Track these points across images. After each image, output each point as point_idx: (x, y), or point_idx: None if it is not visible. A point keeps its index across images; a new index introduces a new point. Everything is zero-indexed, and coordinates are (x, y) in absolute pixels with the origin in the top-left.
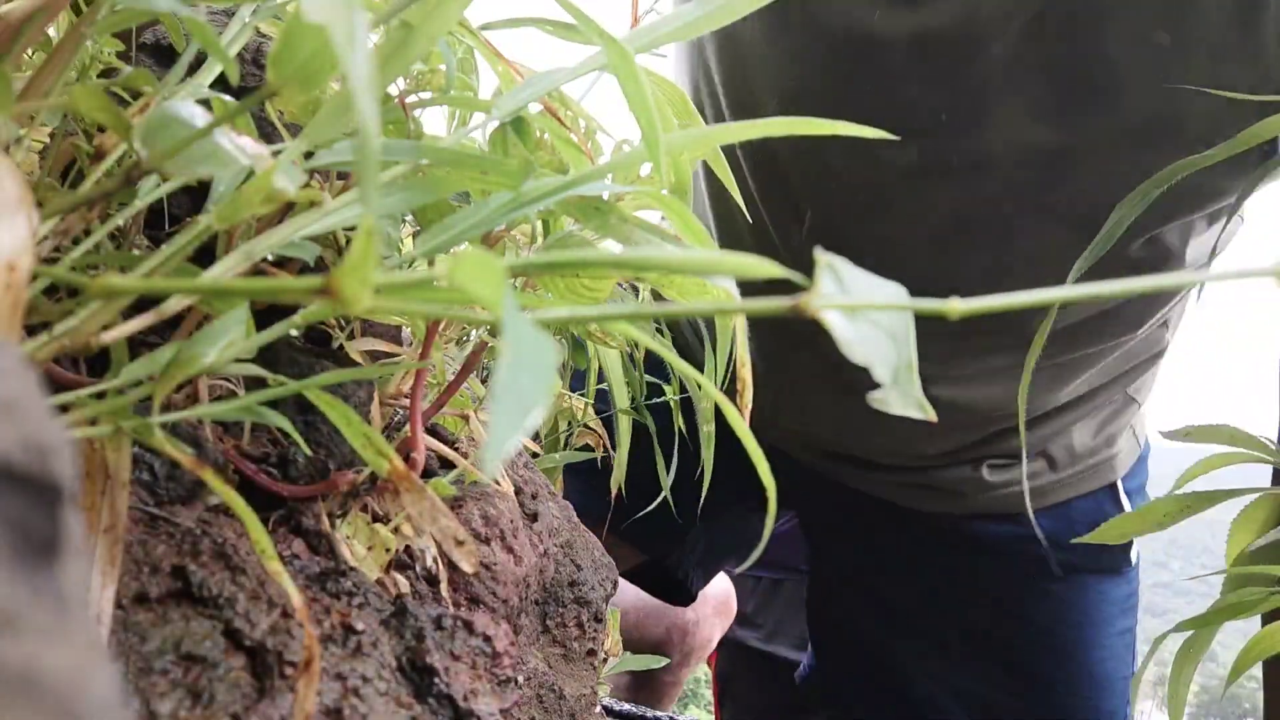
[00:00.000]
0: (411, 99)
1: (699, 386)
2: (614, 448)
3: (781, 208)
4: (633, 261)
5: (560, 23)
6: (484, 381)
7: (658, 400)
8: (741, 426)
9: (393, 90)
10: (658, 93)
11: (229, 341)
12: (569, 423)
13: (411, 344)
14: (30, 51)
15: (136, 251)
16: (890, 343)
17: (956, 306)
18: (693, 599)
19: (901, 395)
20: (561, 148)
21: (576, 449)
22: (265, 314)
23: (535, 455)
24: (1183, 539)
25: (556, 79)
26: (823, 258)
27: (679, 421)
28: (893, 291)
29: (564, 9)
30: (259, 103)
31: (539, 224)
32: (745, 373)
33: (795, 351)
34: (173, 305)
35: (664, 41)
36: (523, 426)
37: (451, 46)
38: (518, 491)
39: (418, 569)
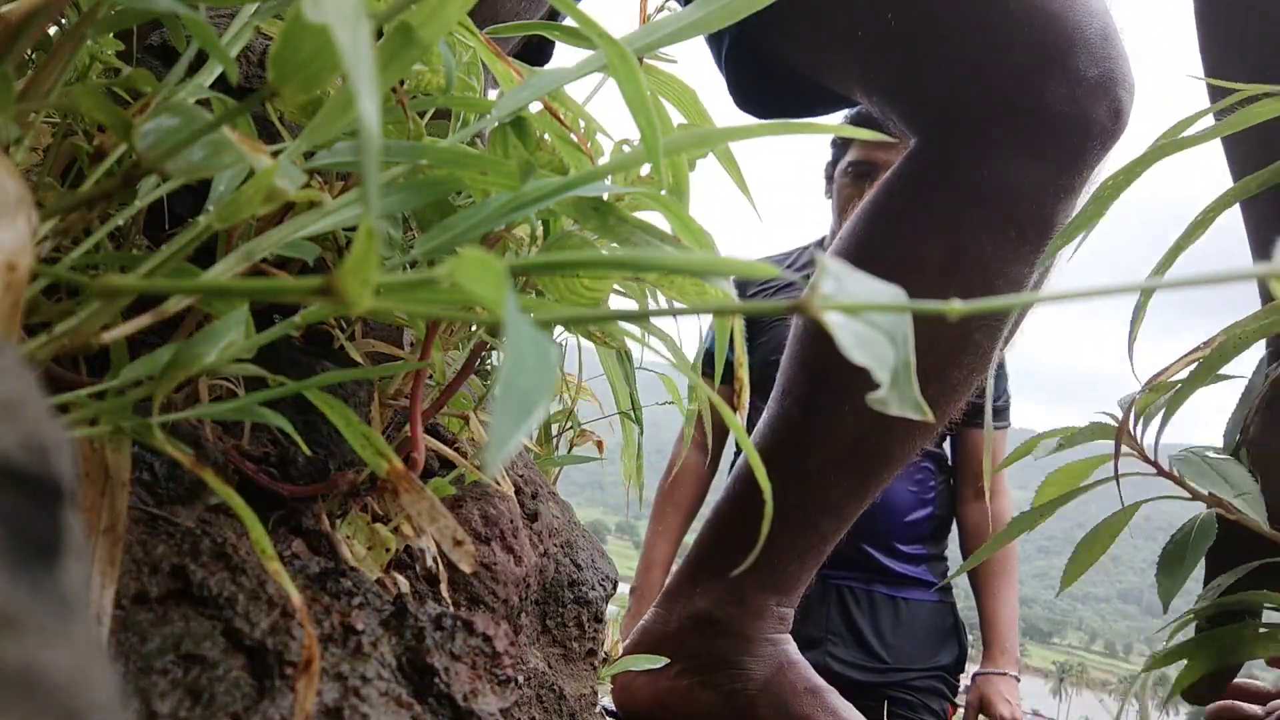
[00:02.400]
0: (412, 99)
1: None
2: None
3: None
4: (632, 261)
5: (566, 28)
6: (482, 378)
7: (666, 403)
8: (736, 424)
9: (393, 90)
10: (663, 92)
11: (229, 342)
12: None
13: (413, 345)
14: (30, 51)
15: (136, 251)
16: (889, 344)
17: (956, 308)
18: None
19: (900, 396)
20: (562, 148)
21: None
22: (265, 314)
23: (538, 457)
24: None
25: (557, 79)
26: (822, 259)
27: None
28: (892, 292)
29: (563, 9)
30: (259, 103)
31: (539, 224)
32: (743, 373)
33: None
34: (173, 305)
35: (666, 43)
36: (524, 426)
37: (453, 47)
38: (518, 491)
39: (418, 569)
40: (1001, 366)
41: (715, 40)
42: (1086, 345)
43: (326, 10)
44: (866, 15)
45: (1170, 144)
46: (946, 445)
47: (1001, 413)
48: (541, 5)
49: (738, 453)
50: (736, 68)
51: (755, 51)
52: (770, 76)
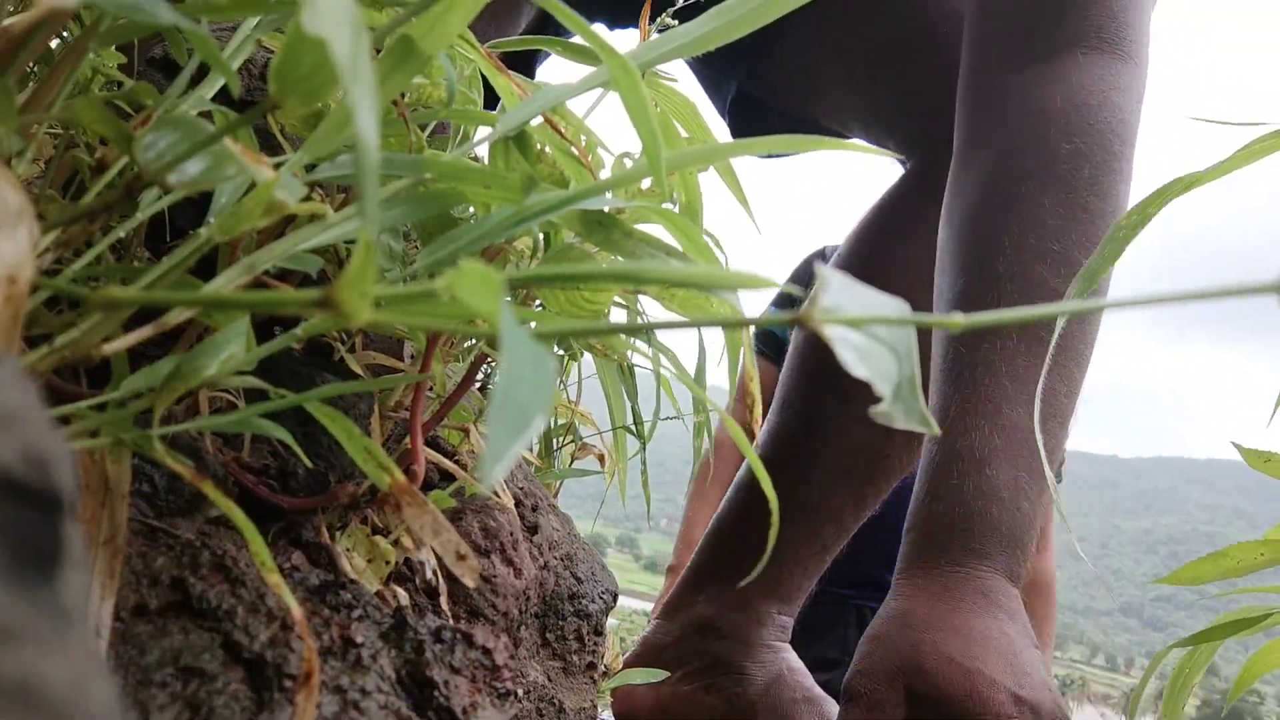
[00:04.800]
0: (413, 112)
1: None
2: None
3: None
4: (633, 274)
5: (568, 43)
6: (483, 391)
7: (670, 418)
8: (743, 440)
9: (394, 103)
10: (664, 105)
11: (230, 354)
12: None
13: (413, 357)
14: (32, 64)
15: (137, 264)
16: (892, 357)
17: (958, 320)
18: None
19: (905, 409)
20: (563, 161)
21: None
22: (266, 326)
23: (539, 470)
24: (1183, 554)
25: (560, 94)
26: (822, 271)
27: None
28: (895, 305)
29: (564, 20)
30: (261, 115)
31: (540, 236)
32: (754, 387)
33: None
34: (174, 317)
35: (670, 58)
36: (521, 439)
37: (454, 61)
38: (518, 503)
39: (417, 581)
40: None
41: (719, 93)
42: None
43: (324, 23)
44: (863, 54)
45: (1180, 183)
46: None
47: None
48: (515, 26)
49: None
50: (741, 118)
51: (757, 101)
52: (772, 125)
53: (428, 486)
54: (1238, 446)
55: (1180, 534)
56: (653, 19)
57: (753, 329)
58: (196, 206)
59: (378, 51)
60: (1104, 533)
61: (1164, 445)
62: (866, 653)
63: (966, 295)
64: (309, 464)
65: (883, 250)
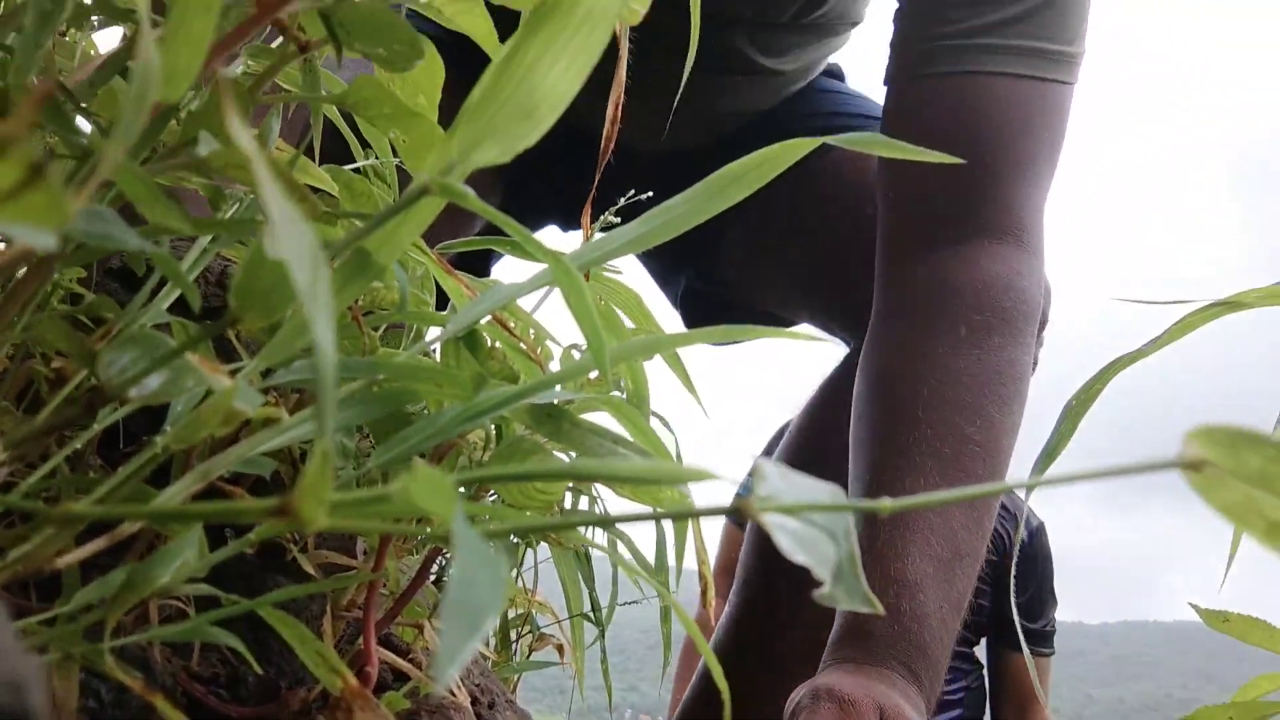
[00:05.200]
0: (366, 314)
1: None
2: None
3: None
4: (582, 471)
5: (513, 241)
6: (437, 584)
7: (629, 603)
8: (697, 635)
9: (349, 309)
10: (610, 297)
11: (183, 562)
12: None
13: (366, 553)
14: None
15: (92, 473)
16: (829, 540)
17: (886, 504)
18: None
19: (847, 590)
20: (512, 356)
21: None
22: (218, 528)
23: (496, 664)
24: (1134, 696)
25: (508, 293)
26: (758, 464)
27: None
28: (828, 491)
29: (508, 230)
30: (221, 330)
31: (492, 428)
32: (705, 570)
33: None
34: (127, 528)
35: (611, 257)
36: (473, 639)
37: (405, 265)
38: (474, 701)
39: None
40: (1044, 587)
41: (670, 286)
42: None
43: (285, 248)
44: (802, 249)
45: (1121, 361)
46: (981, 649)
47: (1046, 638)
48: (471, 225)
49: None
50: (691, 310)
51: (706, 294)
52: (722, 315)
53: (381, 687)
54: (1195, 608)
55: (1155, 700)
56: (596, 218)
57: None
58: (150, 411)
59: (332, 258)
60: (1077, 703)
61: (1128, 610)
62: (845, 673)
63: (889, 435)
64: (259, 670)
65: (831, 428)
